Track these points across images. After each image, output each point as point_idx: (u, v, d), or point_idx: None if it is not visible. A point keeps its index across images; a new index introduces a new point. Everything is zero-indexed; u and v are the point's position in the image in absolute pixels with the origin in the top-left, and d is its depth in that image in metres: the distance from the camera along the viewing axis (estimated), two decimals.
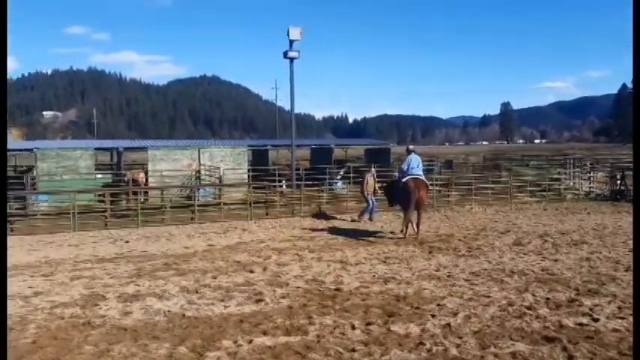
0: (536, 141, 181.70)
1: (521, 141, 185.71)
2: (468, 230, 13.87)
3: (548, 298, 7.21)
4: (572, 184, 24.47)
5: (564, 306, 6.87)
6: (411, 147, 13.77)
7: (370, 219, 16.15)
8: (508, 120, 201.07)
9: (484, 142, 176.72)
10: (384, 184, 15.67)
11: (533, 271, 8.90)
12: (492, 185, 22.52)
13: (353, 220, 16.24)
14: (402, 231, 13.00)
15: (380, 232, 13.86)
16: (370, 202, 16.37)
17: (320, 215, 17.54)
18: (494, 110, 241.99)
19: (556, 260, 9.79)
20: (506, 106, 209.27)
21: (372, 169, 17.26)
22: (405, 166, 12.95)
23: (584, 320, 6.26)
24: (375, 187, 16.66)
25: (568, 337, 5.68)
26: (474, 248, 11.19)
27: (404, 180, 12.71)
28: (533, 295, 7.41)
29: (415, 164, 12.88)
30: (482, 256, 10.29)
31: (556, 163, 33.12)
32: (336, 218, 16.97)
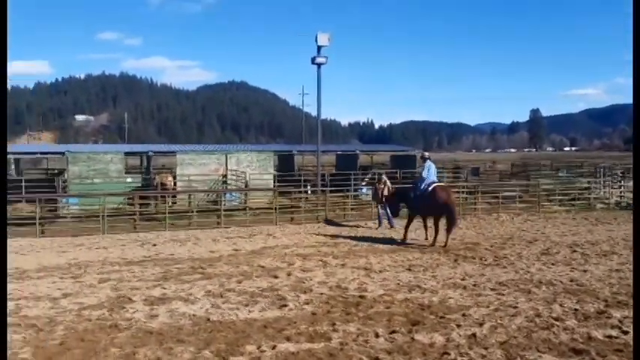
0: (566, 149, 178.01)
1: (550, 149, 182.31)
2: (494, 239, 13.66)
3: (576, 310, 7.05)
4: (602, 193, 23.90)
5: (593, 318, 6.71)
6: (426, 154, 13.72)
7: (391, 226, 15.99)
8: (537, 127, 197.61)
9: (512, 150, 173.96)
10: (394, 191, 15.30)
11: (561, 282, 8.72)
12: (520, 193, 22.14)
13: (377, 229, 16.14)
14: (404, 238, 13.33)
15: (404, 240, 13.75)
16: (386, 209, 16.00)
17: (331, 223, 17.49)
18: (523, 117, 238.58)
19: (585, 271, 9.57)
20: (535, 112, 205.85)
21: (384, 177, 16.96)
22: (425, 173, 12.92)
23: (614, 333, 6.10)
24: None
25: (597, 349, 5.55)
26: (500, 257, 11.01)
27: (430, 188, 12.64)
28: (562, 306, 7.25)
29: (433, 171, 12.93)
30: (510, 266, 10.12)
31: (586, 172, 32.42)
32: (360, 225, 16.90)
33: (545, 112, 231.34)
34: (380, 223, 16.30)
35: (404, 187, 15.01)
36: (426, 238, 13.02)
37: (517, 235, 14.20)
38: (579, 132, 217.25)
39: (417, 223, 14.80)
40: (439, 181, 13.31)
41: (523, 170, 40.04)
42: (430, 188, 12.66)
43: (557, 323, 6.46)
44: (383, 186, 16.39)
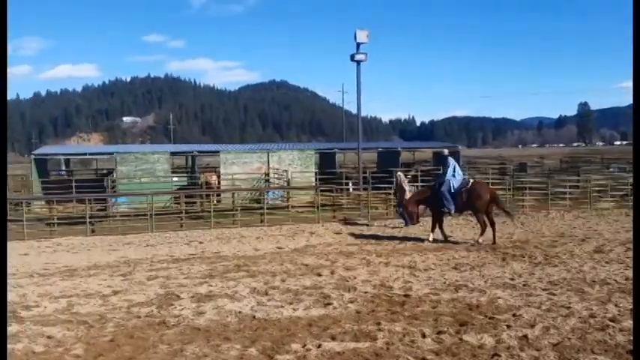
0: (617, 143, 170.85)
1: (600, 143, 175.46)
2: (544, 237, 13.24)
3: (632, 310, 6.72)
4: None
5: None
6: (446, 152, 13.57)
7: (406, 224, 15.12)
8: (586, 121, 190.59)
9: (560, 145, 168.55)
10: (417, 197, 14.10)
11: (615, 281, 8.35)
12: (570, 190, 21.40)
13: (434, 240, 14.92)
14: (433, 238, 12.90)
15: (450, 237, 13.49)
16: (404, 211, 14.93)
17: (349, 222, 17.05)
18: (571, 111, 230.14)
19: None
20: (583, 106, 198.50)
21: (401, 174, 16.51)
22: (450, 171, 12.69)
23: None
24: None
25: None
26: (551, 256, 10.64)
27: (469, 184, 12.62)
28: (617, 306, 6.94)
29: (458, 169, 12.87)
30: (561, 265, 9.77)
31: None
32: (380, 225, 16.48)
33: (594, 106, 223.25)
34: (406, 222, 15.29)
35: (425, 190, 14.13)
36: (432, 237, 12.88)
37: (568, 233, 13.73)
38: (630, 125, 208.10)
39: (462, 220, 14.54)
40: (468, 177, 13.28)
41: (572, 165, 38.76)
42: (469, 185, 12.61)
43: (613, 324, 6.18)
44: (404, 183, 15.96)
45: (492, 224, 12.63)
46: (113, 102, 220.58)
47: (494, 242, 12.26)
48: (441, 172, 13.15)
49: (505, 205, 12.88)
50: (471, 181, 12.80)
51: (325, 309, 7.20)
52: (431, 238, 12.81)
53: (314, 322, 6.62)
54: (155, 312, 7.25)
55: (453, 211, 12.90)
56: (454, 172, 12.70)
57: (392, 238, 13.68)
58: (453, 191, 12.56)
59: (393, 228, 15.66)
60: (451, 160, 12.90)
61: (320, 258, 10.97)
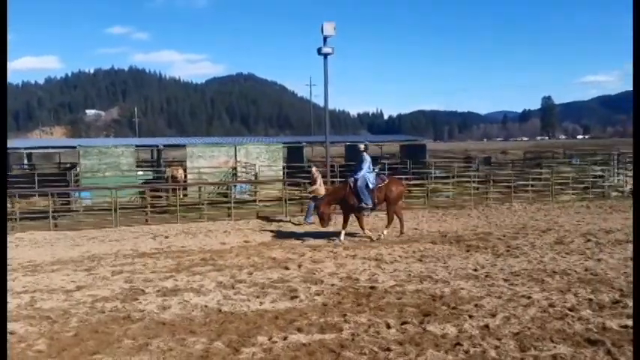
0: (579, 136, 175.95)
1: (563, 136, 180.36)
2: (507, 229, 13.56)
3: (591, 299, 6.97)
4: (616, 181, 23.62)
5: (608, 307, 6.63)
6: (361, 146, 13.37)
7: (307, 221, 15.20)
8: (549, 115, 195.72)
9: (524, 138, 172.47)
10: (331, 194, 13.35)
11: (575, 271, 8.62)
12: (533, 182, 21.96)
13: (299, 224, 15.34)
14: (369, 235, 12.54)
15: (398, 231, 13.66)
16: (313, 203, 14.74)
17: (266, 219, 16.55)
18: (535, 105, 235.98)
19: (599, 260, 9.46)
20: (547, 100, 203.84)
21: (315, 169, 15.81)
22: (366, 167, 12.53)
23: (629, 322, 5.99)
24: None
25: (612, 339, 5.48)
26: (513, 247, 10.91)
27: (386, 182, 12.72)
28: (576, 295, 7.18)
29: (371, 164, 12.83)
30: (522, 256, 10.03)
31: (600, 160, 32.05)
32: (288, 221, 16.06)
33: (558, 100, 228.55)
34: (308, 216, 15.32)
35: (339, 188, 13.25)
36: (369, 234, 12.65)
37: (530, 225, 14.08)
38: (592, 119, 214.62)
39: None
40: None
41: (535, 158, 39.74)
42: (385, 180, 12.77)
43: (572, 313, 6.39)
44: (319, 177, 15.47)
45: (400, 217, 13.11)
46: (76, 95, 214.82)
47: (402, 232, 12.95)
48: (356, 167, 12.82)
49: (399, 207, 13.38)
50: (386, 177, 13.12)
51: (292, 302, 7.24)
52: (342, 237, 12.35)
53: (280, 314, 6.65)
54: (120, 307, 7.16)
55: (370, 205, 12.54)
56: (369, 167, 12.59)
57: (360, 230, 13.77)
58: (371, 187, 12.35)
59: (304, 225, 15.24)
60: (366, 156, 12.71)
61: (287, 252, 10.99)
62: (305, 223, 15.26)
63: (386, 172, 24.97)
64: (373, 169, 12.92)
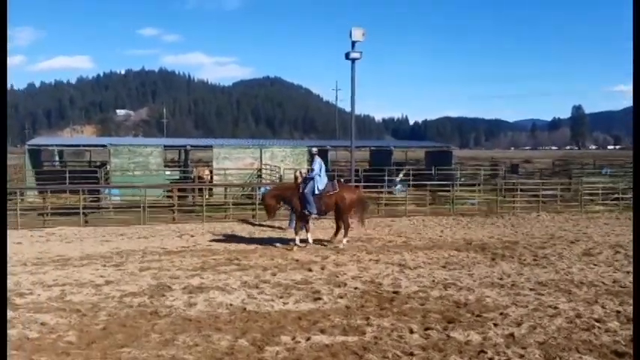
0: (610, 147, 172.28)
1: (593, 146, 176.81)
2: (534, 238, 13.37)
3: (618, 311, 6.86)
4: None
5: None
6: (314, 150, 13.18)
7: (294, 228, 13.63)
8: (579, 124, 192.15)
9: (553, 147, 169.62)
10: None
11: (603, 283, 8.48)
12: (562, 192, 21.60)
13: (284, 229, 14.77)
14: (302, 240, 12.12)
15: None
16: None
17: (247, 222, 16.42)
18: (565, 114, 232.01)
19: (628, 272, 9.25)
20: (577, 109, 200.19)
21: (299, 173, 14.37)
22: (316, 171, 12.09)
23: None
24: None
25: None
26: (540, 257, 10.76)
27: (335, 188, 12.16)
28: (603, 307, 7.07)
29: (323, 169, 12.35)
30: (550, 266, 9.89)
31: (630, 170, 31.31)
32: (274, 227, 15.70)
33: (588, 109, 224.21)
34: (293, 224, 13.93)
35: (288, 187, 13.09)
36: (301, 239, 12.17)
37: (558, 235, 13.86)
38: (623, 130, 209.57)
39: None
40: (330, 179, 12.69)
41: (565, 168, 39.07)
42: (336, 188, 12.15)
43: (599, 325, 6.30)
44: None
45: (347, 225, 12.25)
46: (107, 95, 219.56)
47: (335, 239, 12.27)
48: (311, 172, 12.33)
49: (364, 212, 12.75)
50: (338, 184, 12.49)
51: (315, 303, 7.28)
52: (297, 240, 12.02)
53: (304, 315, 6.70)
54: (147, 302, 7.31)
55: (314, 214, 12.20)
56: (320, 172, 12.11)
57: (383, 235, 13.76)
58: (316, 193, 11.93)
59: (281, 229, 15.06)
60: (317, 160, 12.36)
61: (311, 254, 11.04)
62: (289, 228, 14.39)
63: (406, 179, 24.80)
64: (324, 175, 12.28)
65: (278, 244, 12.38)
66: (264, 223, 16.12)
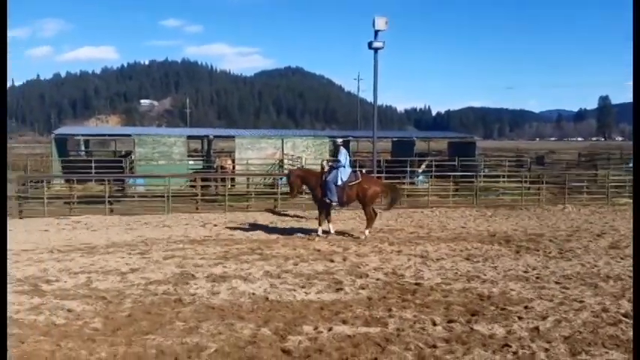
0: None
1: (620, 138, 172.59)
2: (559, 231, 13.16)
3: None
4: None
5: None
6: (339, 140, 13.06)
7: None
8: (606, 115, 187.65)
9: (579, 138, 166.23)
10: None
11: (630, 277, 8.28)
12: (588, 184, 21.18)
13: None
14: (323, 231, 12.16)
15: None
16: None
17: (275, 212, 16.37)
18: (592, 104, 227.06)
19: None
20: (604, 100, 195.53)
21: (324, 161, 14.69)
22: (343, 161, 12.05)
23: None
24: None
25: None
26: (565, 250, 10.59)
27: (359, 180, 12.04)
28: (630, 301, 6.89)
29: (349, 160, 12.37)
30: (575, 259, 9.73)
31: None
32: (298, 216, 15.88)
33: (615, 100, 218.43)
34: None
35: (314, 173, 12.87)
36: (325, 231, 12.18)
37: (584, 228, 13.62)
38: None
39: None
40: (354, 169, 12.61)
41: (591, 160, 38.28)
42: (358, 178, 12.08)
43: (626, 319, 6.17)
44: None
45: (370, 217, 12.19)
46: (131, 85, 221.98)
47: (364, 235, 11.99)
48: (336, 161, 12.29)
49: (395, 201, 12.66)
50: (360, 175, 12.34)
51: (337, 294, 7.29)
52: (320, 231, 12.10)
53: (326, 305, 6.72)
54: (171, 290, 7.41)
55: (334, 203, 12.14)
56: (345, 164, 12.10)
57: (405, 227, 13.69)
58: (339, 183, 11.90)
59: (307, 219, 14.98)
60: (343, 151, 12.34)
61: (332, 244, 11.05)
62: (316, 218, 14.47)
63: (429, 169, 24.57)
64: (353, 166, 12.25)
65: (300, 234, 12.42)
66: (289, 213, 16.22)
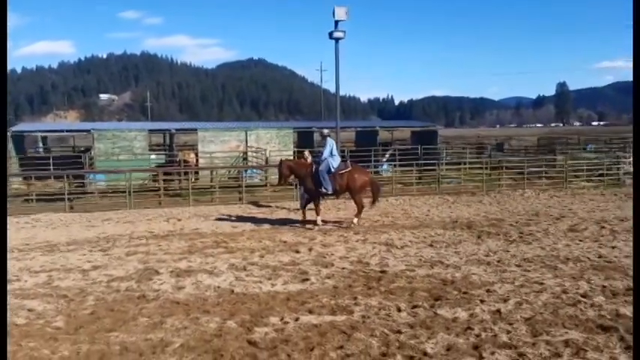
0: (594, 123, 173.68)
1: (577, 123, 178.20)
2: (519, 215, 13.49)
3: (604, 286, 6.94)
4: (631, 168, 23.32)
5: (622, 294, 6.59)
6: (325, 131, 12.93)
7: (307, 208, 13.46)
8: (564, 101, 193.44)
9: (538, 125, 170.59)
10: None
11: (588, 258, 8.58)
12: (547, 169, 21.78)
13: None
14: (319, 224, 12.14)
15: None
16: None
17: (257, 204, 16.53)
18: (550, 91, 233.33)
19: (613, 247, 9.39)
20: (562, 86, 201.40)
21: (306, 151, 14.57)
22: (327, 152, 12.14)
23: None
24: None
25: (625, 326, 5.46)
26: (526, 234, 10.86)
27: (349, 169, 12.17)
28: (589, 282, 7.15)
29: (335, 150, 12.40)
30: (535, 242, 10.00)
31: (615, 147, 31.67)
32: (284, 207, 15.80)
33: (572, 86, 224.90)
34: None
35: (304, 164, 12.84)
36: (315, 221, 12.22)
37: (543, 212, 13.99)
38: (607, 106, 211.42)
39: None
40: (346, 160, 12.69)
41: (549, 145, 39.37)
42: (348, 167, 12.23)
43: (585, 300, 6.38)
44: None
45: (359, 206, 12.35)
46: (89, 79, 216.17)
47: (353, 223, 12.08)
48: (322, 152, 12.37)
49: (378, 192, 12.85)
50: (350, 164, 12.46)
51: (303, 284, 7.30)
52: (319, 222, 12.14)
53: (292, 296, 6.72)
54: (135, 286, 7.29)
55: (330, 191, 12.28)
56: (331, 152, 12.20)
57: (369, 215, 13.78)
58: (331, 172, 12.05)
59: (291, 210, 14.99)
60: (329, 141, 12.41)
61: (298, 235, 11.05)
62: (301, 209, 14.69)
63: (393, 158, 24.82)
64: (342, 156, 12.42)
65: (267, 226, 12.40)
66: (270, 205, 16.20)
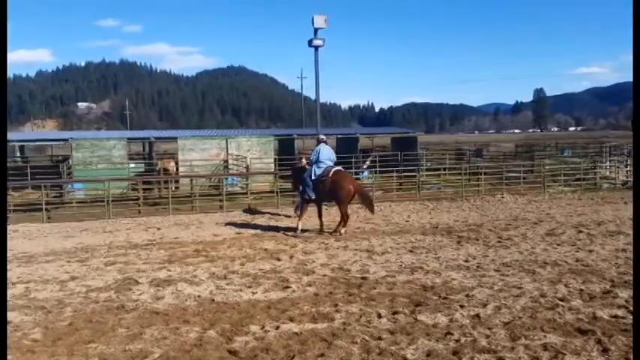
0: (571, 129, 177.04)
1: (555, 129, 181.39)
2: (498, 220, 13.65)
3: (582, 290, 7.04)
4: (608, 173, 23.82)
5: (599, 298, 6.69)
6: (321, 137, 12.81)
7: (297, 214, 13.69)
8: (541, 107, 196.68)
9: (516, 130, 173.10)
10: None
11: (566, 262, 8.69)
12: (525, 174, 22.09)
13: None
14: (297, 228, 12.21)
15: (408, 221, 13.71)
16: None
17: (252, 211, 16.35)
18: (527, 97, 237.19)
19: (591, 251, 9.54)
20: (539, 92, 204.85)
21: (303, 160, 14.43)
22: (314, 157, 12.12)
23: (620, 312, 6.08)
24: None
25: (602, 329, 5.54)
26: (504, 238, 10.97)
27: (330, 174, 11.89)
28: (567, 286, 7.23)
29: (326, 156, 12.13)
30: (514, 247, 10.11)
31: (592, 152, 32.28)
32: (279, 214, 15.87)
33: (550, 92, 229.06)
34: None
35: (298, 167, 13.16)
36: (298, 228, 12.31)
37: (521, 216, 14.18)
38: (584, 111, 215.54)
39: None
40: (335, 166, 12.33)
41: (527, 150, 39.96)
42: (330, 175, 11.91)
43: (563, 303, 6.45)
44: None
45: (344, 215, 12.02)
46: (68, 88, 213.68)
47: (336, 232, 11.92)
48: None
49: (369, 198, 12.74)
50: (333, 170, 12.06)
51: (284, 292, 7.28)
52: (299, 227, 12.19)
53: (273, 304, 6.69)
54: (113, 297, 7.18)
55: (312, 198, 12.10)
56: (318, 159, 12.05)
57: (350, 222, 13.81)
58: (314, 178, 12.00)
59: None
60: (319, 147, 12.30)
61: (279, 243, 11.02)
62: (296, 215, 14.97)
63: (373, 165, 24.94)
64: (327, 161, 12.12)
65: (250, 231, 12.37)
66: (264, 211, 16.19)
